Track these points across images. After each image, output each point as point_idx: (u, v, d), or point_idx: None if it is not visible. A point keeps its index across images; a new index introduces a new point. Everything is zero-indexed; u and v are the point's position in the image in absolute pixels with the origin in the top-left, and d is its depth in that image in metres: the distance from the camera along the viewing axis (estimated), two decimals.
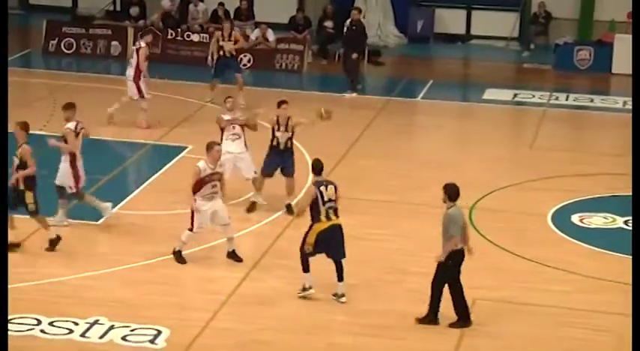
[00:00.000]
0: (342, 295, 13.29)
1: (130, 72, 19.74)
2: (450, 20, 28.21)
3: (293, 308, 13.01)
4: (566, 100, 23.31)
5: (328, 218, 13.15)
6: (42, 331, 12.36)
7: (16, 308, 12.58)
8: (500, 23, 27.77)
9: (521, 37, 27.75)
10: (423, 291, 13.49)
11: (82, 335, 12.31)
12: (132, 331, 12.41)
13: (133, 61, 19.74)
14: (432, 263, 14.41)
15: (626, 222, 16.07)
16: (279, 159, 16.15)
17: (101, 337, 12.27)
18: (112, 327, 12.46)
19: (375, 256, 14.69)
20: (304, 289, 13.33)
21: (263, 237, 15.38)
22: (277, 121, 16.04)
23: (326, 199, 13.14)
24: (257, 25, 25.96)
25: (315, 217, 13.17)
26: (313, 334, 12.52)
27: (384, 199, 17.05)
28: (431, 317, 12.76)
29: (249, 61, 25.09)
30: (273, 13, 27.23)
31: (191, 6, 26.68)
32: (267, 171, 16.27)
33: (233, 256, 14.44)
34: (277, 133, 16.05)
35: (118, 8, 28.47)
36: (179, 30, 25.61)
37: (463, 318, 12.75)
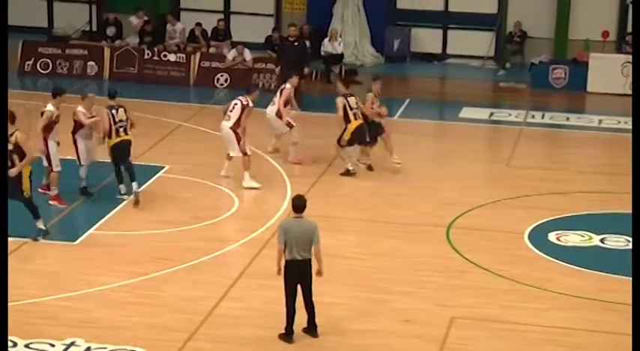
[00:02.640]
0: (137, 195, 16.87)
1: (273, 109, 19.09)
2: (427, 39, 28.34)
3: (272, 329, 12.96)
4: (542, 118, 23.44)
5: (118, 134, 16.99)
6: None
7: None
8: (476, 42, 27.92)
9: (497, 56, 27.91)
10: (405, 309, 13.53)
11: None
12: None
13: (276, 99, 19.11)
14: (413, 282, 14.47)
15: (602, 240, 16.14)
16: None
17: None
18: (88, 349, 12.36)
19: (355, 276, 14.68)
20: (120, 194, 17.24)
21: (240, 257, 15.35)
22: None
23: (117, 119, 17.00)
24: (233, 44, 26.00)
25: (110, 134, 16.98)
26: None
27: (361, 217, 17.07)
28: (287, 332, 12.62)
29: (226, 80, 25.12)
30: (249, 33, 27.28)
31: (168, 25, 26.68)
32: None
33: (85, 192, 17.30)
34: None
35: (95, 28, 28.44)
36: (156, 49, 25.61)
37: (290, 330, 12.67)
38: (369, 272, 14.84)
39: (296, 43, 23.49)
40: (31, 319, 13.03)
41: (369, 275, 14.73)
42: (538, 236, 16.29)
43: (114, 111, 17.01)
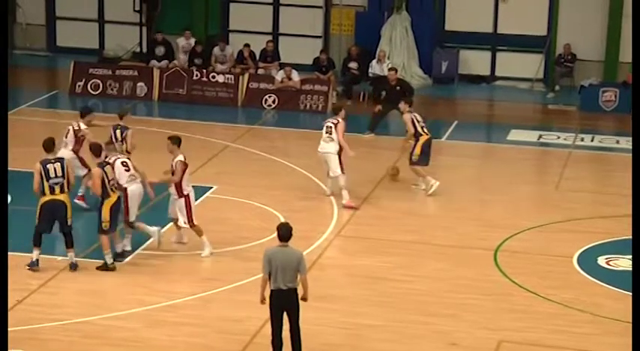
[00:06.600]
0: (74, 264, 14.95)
1: (332, 146, 18.30)
2: (475, 61, 28.25)
3: (317, 350, 12.93)
4: (592, 141, 23.25)
5: (53, 192, 14.69)
6: None
7: (42, 348, 12.59)
8: (525, 64, 27.78)
9: (546, 79, 27.76)
10: (451, 332, 13.43)
11: None
12: None
13: (334, 136, 18.28)
14: (459, 305, 14.37)
15: None
16: None
17: None
18: None
19: (400, 297, 14.62)
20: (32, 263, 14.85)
21: None
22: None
23: (51, 175, 14.69)
24: (282, 66, 26.10)
25: (41, 193, 14.72)
26: None
27: (408, 239, 16.99)
28: None
29: (273, 101, 25.20)
30: (297, 54, 27.38)
31: (216, 49, 26.84)
32: None
33: None
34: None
35: (145, 50, 28.69)
36: (204, 71, 25.78)
37: None
38: (413, 294, 14.76)
39: (398, 87, 23.08)
40: (77, 338, 13.10)
41: (414, 297, 14.65)
42: (587, 260, 16.13)
43: (49, 165, 14.85)
